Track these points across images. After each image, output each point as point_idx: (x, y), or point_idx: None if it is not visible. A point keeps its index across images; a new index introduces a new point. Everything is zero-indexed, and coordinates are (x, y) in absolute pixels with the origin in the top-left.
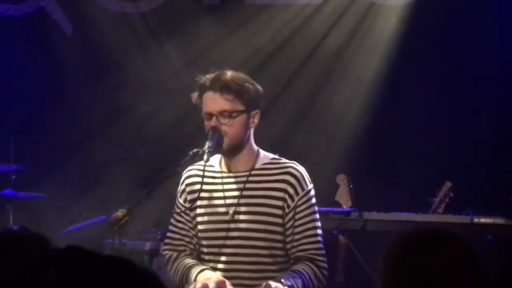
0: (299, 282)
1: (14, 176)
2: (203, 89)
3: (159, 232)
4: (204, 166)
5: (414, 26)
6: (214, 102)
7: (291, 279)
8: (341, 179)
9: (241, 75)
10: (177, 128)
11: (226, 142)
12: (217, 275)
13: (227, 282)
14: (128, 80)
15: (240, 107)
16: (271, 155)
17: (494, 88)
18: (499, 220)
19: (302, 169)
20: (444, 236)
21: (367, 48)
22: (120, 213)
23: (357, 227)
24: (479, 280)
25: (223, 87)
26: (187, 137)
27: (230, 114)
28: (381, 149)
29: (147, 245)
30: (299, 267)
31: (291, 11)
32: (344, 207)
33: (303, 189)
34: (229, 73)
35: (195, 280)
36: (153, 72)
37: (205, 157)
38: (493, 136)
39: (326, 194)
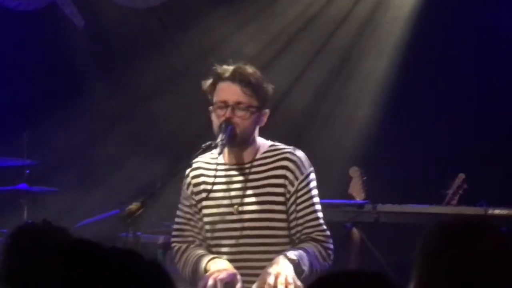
0: (304, 256)
1: (27, 171)
2: (219, 78)
3: (173, 226)
4: (217, 158)
5: (428, 14)
6: (232, 91)
7: (296, 253)
8: (354, 172)
9: (258, 73)
10: (189, 121)
11: (238, 134)
12: (228, 266)
13: (238, 276)
14: (141, 74)
15: (256, 103)
16: (269, 143)
17: (510, 79)
18: None
19: (300, 153)
20: (482, 227)
21: (378, 41)
22: (133, 206)
23: (371, 219)
24: None
25: (243, 80)
26: (199, 131)
27: (246, 108)
28: (394, 141)
29: (161, 239)
30: (304, 245)
31: (304, 2)
32: (358, 199)
33: (302, 173)
34: (248, 68)
35: (205, 269)
36: (165, 66)
37: (218, 149)
38: (507, 127)
39: (339, 187)
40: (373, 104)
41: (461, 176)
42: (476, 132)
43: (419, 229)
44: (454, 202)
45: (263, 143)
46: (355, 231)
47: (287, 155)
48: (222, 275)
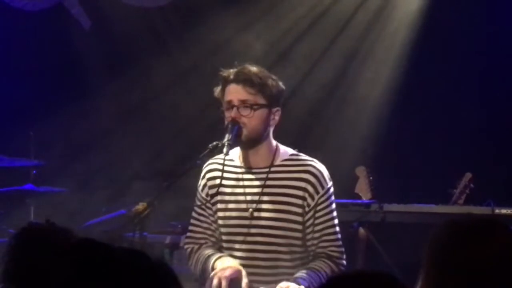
0: (316, 280)
1: (34, 171)
2: (226, 82)
3: (179, 226)
4: (224, 159)
5: (436, 12)
6: (236, 91)
7: (308, 279)
8: (361, 171)
9: (265, 71)
10: (196, 121)
11: (244, 133)
12: (234, 264)
13: (243, 272)
14: (147, 75)
15: (262, 101)
16: (291, 151)
17: None
18: None
19: (321, 167)
20: (491, 226)
21: (385, 42)
22: (140, 206)
23: (377, 219)
24: None
25: (246, 80)
26: (207, 130)
27: (251, 106)
28: (400, 141)
29: (168, 239)
30: (316, 264)
31: (310, 2)
32: (364, 199)
33: (323, 187)
34: (252, 68)
35: (212, 267)
36: (172, 66)
37: (224, 150)
38: None
39: (345, 186)
40: (380, 104)
41: (468, 175)
42: (483, 131)
43: (426, 228)
44: (461, 201)
45: (283, 150)
46: (362, 231)
47: (309, 168)
48: (226, 272)
